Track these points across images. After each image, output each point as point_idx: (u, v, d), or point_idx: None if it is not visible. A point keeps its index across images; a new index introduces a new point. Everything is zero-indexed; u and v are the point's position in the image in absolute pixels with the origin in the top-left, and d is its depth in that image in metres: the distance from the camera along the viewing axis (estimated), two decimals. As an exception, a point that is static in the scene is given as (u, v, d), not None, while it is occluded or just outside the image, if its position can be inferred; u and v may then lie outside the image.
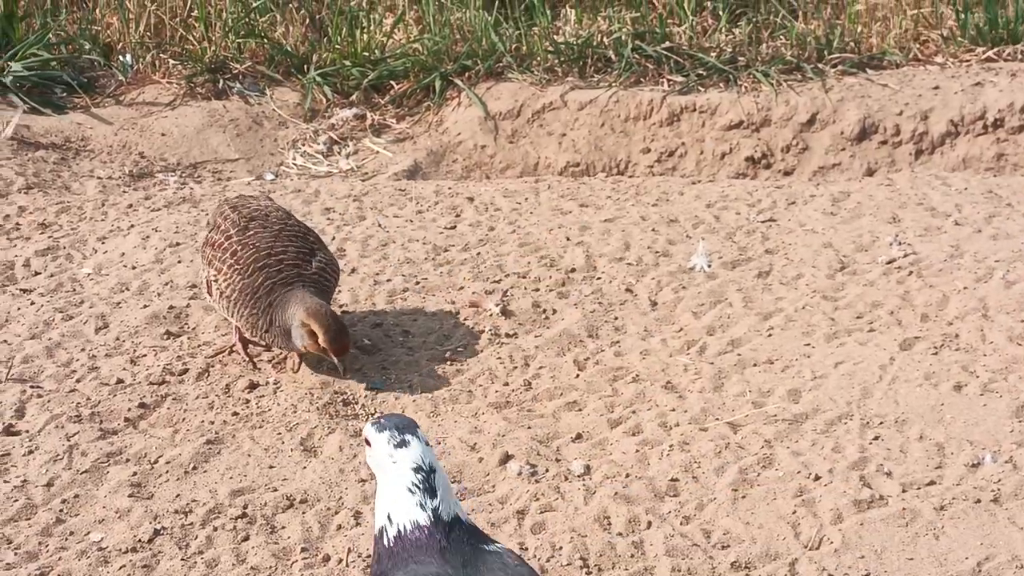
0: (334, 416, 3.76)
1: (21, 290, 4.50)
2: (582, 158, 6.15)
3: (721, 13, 6.65)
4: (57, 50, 6.49)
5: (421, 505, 2.33)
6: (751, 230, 4.87)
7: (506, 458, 3.56)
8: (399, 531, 2.34)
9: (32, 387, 3.90)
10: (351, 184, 5.48)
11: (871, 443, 3.58)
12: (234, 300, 3.81)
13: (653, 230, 4.86)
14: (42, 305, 4.38)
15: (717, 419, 3.72)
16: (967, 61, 6.38)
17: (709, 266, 4.55)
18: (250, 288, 3.79)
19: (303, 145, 6.18)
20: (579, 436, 3.67)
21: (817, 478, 3.44)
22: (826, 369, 3.94)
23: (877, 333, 4.12)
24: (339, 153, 6.16)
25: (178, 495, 3.43)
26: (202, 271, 3.97)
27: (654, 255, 4.66)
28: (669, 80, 6.30)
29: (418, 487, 2.33)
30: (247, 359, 3.99)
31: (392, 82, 6.48)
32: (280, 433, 3.69)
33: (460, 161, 6.16)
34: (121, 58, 6.53)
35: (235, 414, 3.78)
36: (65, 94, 6.30)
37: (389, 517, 2.36)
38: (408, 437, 2.36)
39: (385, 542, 2.36)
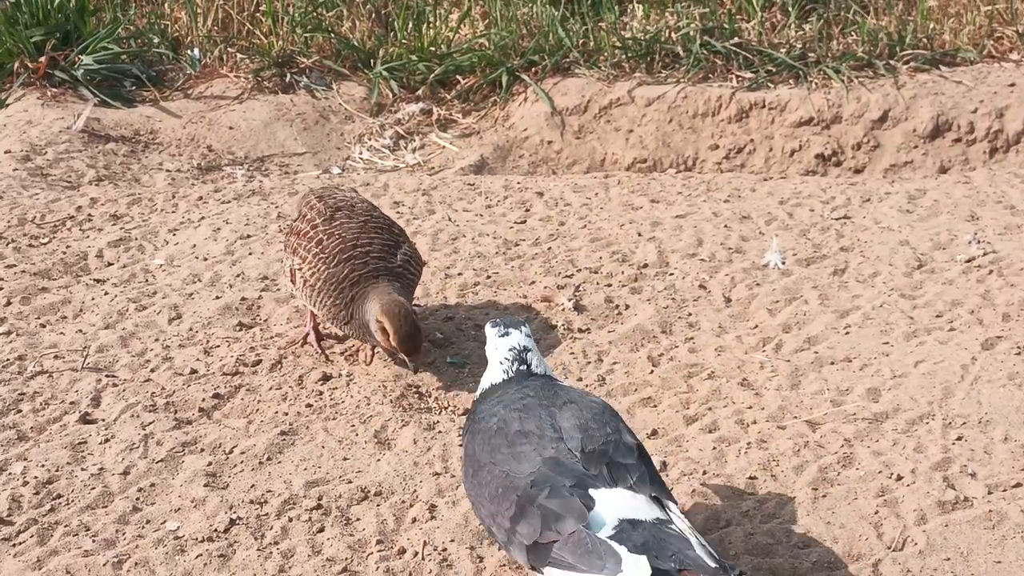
0: (407, 409, 3.74)
1: (95, 280, 4.53)
2: (649, 154, 6.11)
3: (791, 9, 6.59)
4: (126, 44, 6.54)
5: (507, 370, 3.04)
6: (825, 227, 4.80)
7: (581, 453, 3.52)
8: (488, 386, 3.06)
9: (107, 376, 3.92)
10: (419, 178, 5.47)
11: (954, 443, 3.51)
12: (318, 289, 3.81)
13: (725, 226, 4.81)
14: (116, 295, 4.40)
15: (795, 417, 3.66)
16: (1043, 58, 6.27)
17: (783, 263, 4.50)
18: (335, 278, 3.78)
19: (369, 139, 6.19)
20: (655, 432, 3.63)
21: (899, 478, 3.38)
22: (906, 368, 3.87)
23: (958, 332, 4.04)
24: (405, 148, 6.15)
25: (253, 485, 3.42)
26: (285, 260, 3.97)
27: (727, 251, 4.61)
28: (738, 76, 6.25)
29: (508, 359, 3.05)
30: (319, 351, 3.99)
31: (458, 77, 6.47)
32: (354, 425, 3.67)
33: (526, 156, 6.14)
34: (189, 52, 6.57)
35: (308, 406, 3.77)
36: (134, 88, 6.34)
37: (485, 381, 3.08)
38: (511, 330, 3.09)
39: (479, 394, 3.07)
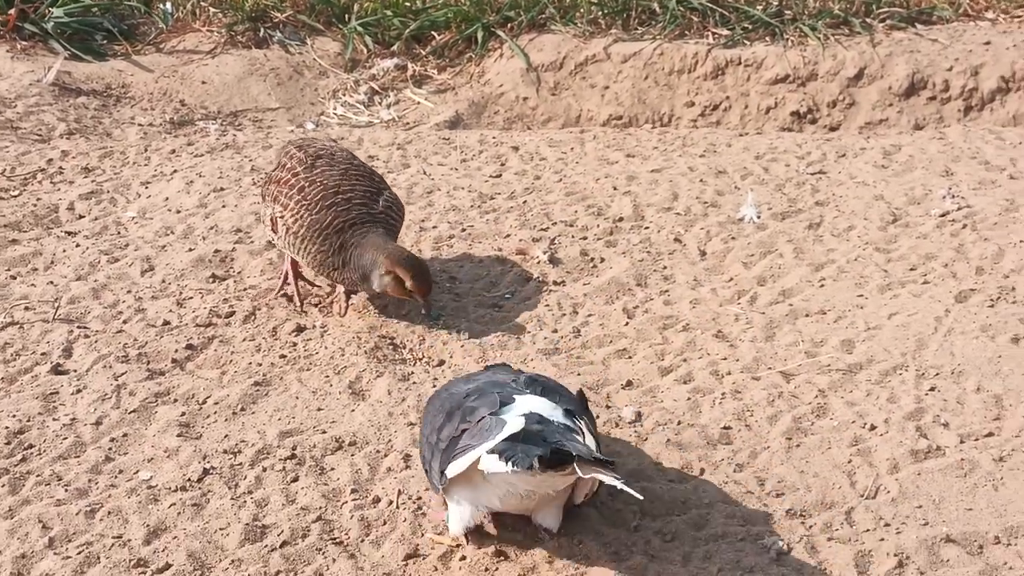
0: (382, 360, 3.73)
1: (66, 232, 4.48)
2: (625, 111, 6.08)
3: (767, -34, 6.55)
4: (98, -3, 6.46)
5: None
6: (801, 182, 4.80)
7: (556, 404, 3.51)
8: None
9: (79, 327, 3.89)
10: (394, 133, 5.44)
11: (927, 394, 3.53)
12: (301, 236, 3.78)
13: (701, 181, 4.80)
14: (87, 248, 4.36)
15: (770, 368, 3.67)
16: (1019, 17, 6.26)
17: (759, 217, 4.49)
18: (318, 225, 3.76)
19: (344, 95, 6.13)
20: (629, 383, 3.63)
21: (872, 428, 3.39)
22: (880, 320, 3.88)
23: (931, 285, 4.05)
24: (380, 103, 6.10)
25: (226, 435, 3.41)
26: (264, 209, 3.93)
27: (703, 205, 4.60)
28: (714, 33, 6.22)
29: None
30: (296, 299, 3.97)
31: (433, 33, 6.42)
32: (328, 376, 3.66)
33: (502, 113, 6.10)
34: (161, 6, 6.49)
35: (282, 356, 3.75)
36: (105, 41, 6.27)
37: None
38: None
39: None
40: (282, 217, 3.83)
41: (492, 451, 2.65)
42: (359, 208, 3.79)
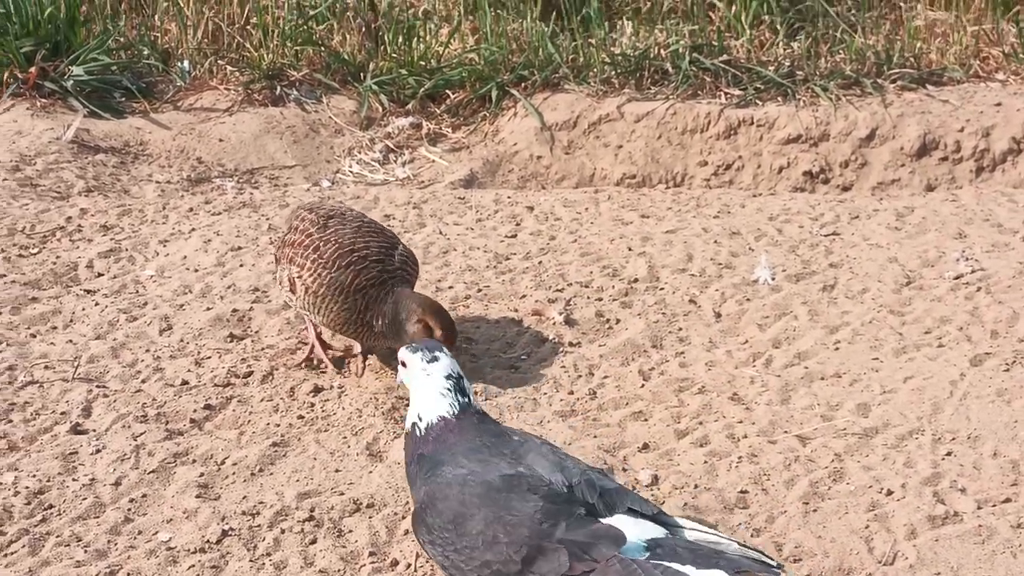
0: (400, 421, 3.75)
1: (85, 291, 4.53)
2: (638, 170, 6.13)
3: (779, 27, 6.63)
4: (116, 55, 6.53)
5: (452, 404, 2.87)
6: (814, 243, 4.83)
7: (573, 466, 3.53)
8: (429, 424, 2.87)
9: (98, 387, 3.92)
10: (410, 192, 5.49)
11: (944, 459, 3.54)
12: (321, 295, 3.82)
13: (715, 242, 4.83)
14: (106, 306, 4.40)
15: (786, 432, 3.68)
16: (1029, 78, 6.33)
17: (773, 279, 4.52)
18: (337, 284, 3.81)
19: (359, 153, 6.19)
20: (646, 446, 3.64)
21: (889, 493, 3.40)
22: (895, 384, 3.90)
23: (946, 349, 4.07)
24: (395, 161, 6.16)
25: (245, 497, 3.42)
26: (282, 272, 3.97)
27: (717, 267, 4.64)
28: (727, 93, 6.28)
29: (449, 390, 2.89)
30: (327, 362, 3.99)
31: (448, 91, 6.49)
32: (346, 437, 3.68)
33: (516, 171, 6.15)
34: (179, 64, 6.57)
35: (300, 417, 3.78)
36: (124, 99, 6.34)
37: (419, 415, 2.90)
38: (438, 354, 2.93)
39: (417, 433, 2.89)
40: (300, 277, 3.88)
41: None
42: (377, 265, 3.85)
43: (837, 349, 4.11)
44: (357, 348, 4.07)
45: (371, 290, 3.82)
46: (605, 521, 2.58)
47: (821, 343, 4.14)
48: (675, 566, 2.46)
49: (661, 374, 4.01)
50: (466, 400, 2.89)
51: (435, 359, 2.93)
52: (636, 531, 2.56)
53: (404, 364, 2.99)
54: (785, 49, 6.51)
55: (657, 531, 2.60)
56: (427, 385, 2.90)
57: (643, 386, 3.94)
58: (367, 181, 5.98)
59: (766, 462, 3.54)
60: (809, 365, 4.02)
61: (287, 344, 4.15)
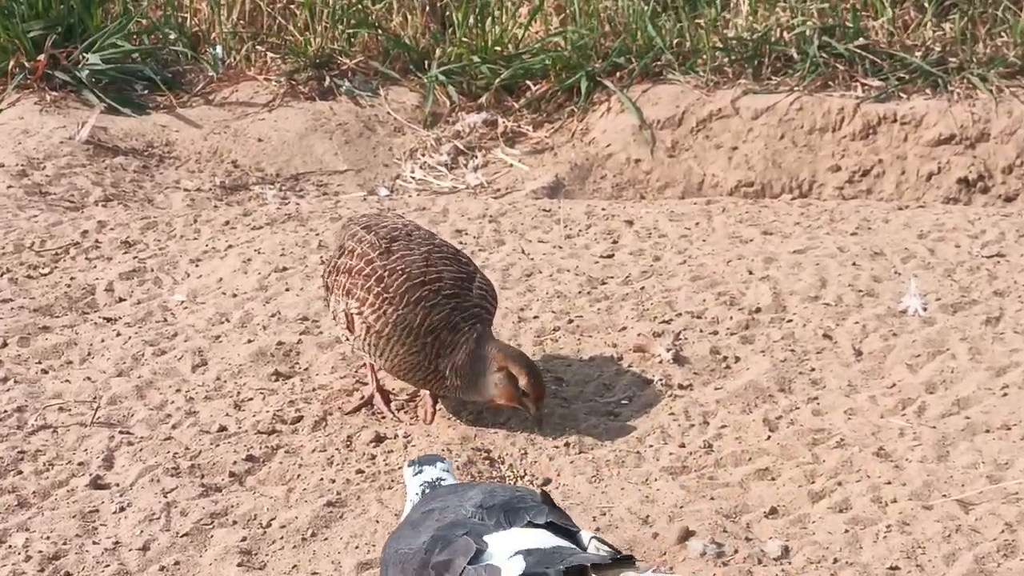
0: (476, 477, 3.75)
1: (104, 319, 4.58)
2: (757, 176, 6.12)
3: (927, 5, 6.59)
4: (138, 41, 6.64)
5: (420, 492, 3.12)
6: (974, 267, 4.79)
7: (686, 535, 3.52)
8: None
9: (121, 433, 3.96)
10: (485, 202, 5.51)
11: None
12: (387, 336, 3.83)
13: (854, 264, 4.80)
14: (129, 337, 4.46)
15: (944, 495, 3.64)
16: None
17: (925, 309, 4.49)
18: (406, 323, 3.81)
19: (423, 155, 6.24)
20: (773, 511, 3.62)
21: (1073, 572, 3.35)
22: (1078, 438, 3.84)
23: None
24: (465, 166, 6.20)
25: (295, 566, 3.44)
26: (336, 304, 3.99)
27: (856, 294, 4.60)
28: (864, 84, 6.25)
29: (417, 495, 3.11)
30: (391, 414, 4.02)
31: (528, 82, 6.52)
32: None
33: (609, 178, 6.16)
34: (211, 51, 6.66)
35: (359, 472, 3.80)
36: (147, 92, 6.44)
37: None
38: (424, 467, 3.16)
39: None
40: (360, 313, 3.88)
41: None
42: (452, 300, 3.85)
43: (1005, 395, 4.06)
44: (426, 390, 4.09)
45: (444, 332, 3.84)
46: (488, 537, 2.75)
47: (985, 387, 4.09)
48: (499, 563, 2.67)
49: (791, 424, 3.98)
50: (432, 485, 3.14)
51: (419, 472, 3.17)
52: (512, 544, 2.71)
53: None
54: (935, 32, 6.46)
55: (543, 542, 2.73)
56: (410, 497, 3.15)
57: (769, 438, 3.91)
58: (432, 189, 6.02)
59: (920, 532, 3.51)
60: (971, 414, 3.98)
61: (343, 384, 4.17)
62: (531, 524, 2.79)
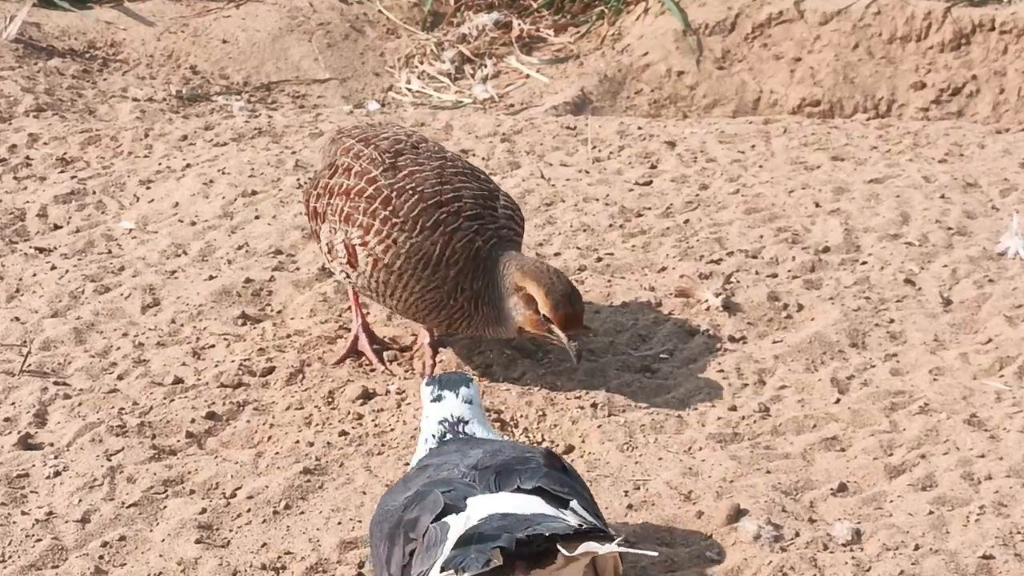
0: (484, 443, 3.74)
1: (37, 249, 4.57)
2: (824, 94, 6.10)
3: None
4: (79, -81, 6.61)
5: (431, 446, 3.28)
6: (1088, 202, 4.78)
7: (737, 514, 3.50)
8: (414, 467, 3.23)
9: (56, 383, 3.95)
10: (496, 118, 5.49)
11: None
12: (399, 271, 3.78)
13: (942, 197, 4.79)
14: (67, 271, 4.44)
15: (1049, 472, 3.63)
16: None
17: (1028, 251, 4.50)
18: (421, 251, 3.77)
19: (421, 63, 6.21)
20: (842, 488, 3.61)
21: None
22: None
23: None
24: (472, 76, 6.18)
25: (265, 544, 3.43)
26: (334, 235, 3.92)
27: (945, 233, 4.59)
28: (956, -16, 6.24)
29: (435, 436, 3.29)
30: (381, 364, 4.00)
31: (550, -23, 6.50)
32: (407, 463, 3.68)
33: (646, 92, 6.14)
34: (167, -67, 6.63)
35: (343, 434, 3.78)
36: (89, -19, 6.41)
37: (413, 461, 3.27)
38: (445, 392, 3.31)
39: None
40: (364, 244, 3.83)
41: (442, 568, 2.72)
42: (474, 222, 3.81)
43: (1124, 354, 4.05)
44: (423, 336, 4.07)
45: (467, 262, 3.80)
46: (470, 500, 2.93)
47: (1100, 345, 4.09)
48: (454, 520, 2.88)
49: (864, 385, 3.96)
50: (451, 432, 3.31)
51: (439, 397, 3.33)
52: (489, 506, 2.89)
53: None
54: (1043, -80, 6.42)
55: (525, 507, 2.88)
56: (424, 426, 3.33)
57: (838, 401, 3.90)
58: (432, 103, 5.99)
59: (1020, 515, 3.49)
60: (1082, 377, 3.97)
61: (323, 330, 4.16)
62: (520, 489, 2.94)
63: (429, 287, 3.80)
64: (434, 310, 3.83)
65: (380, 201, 3.83)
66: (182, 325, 4.20)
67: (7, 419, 3.83)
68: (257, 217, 4.70)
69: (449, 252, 3.78)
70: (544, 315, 3.72)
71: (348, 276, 3.92)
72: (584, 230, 4.63)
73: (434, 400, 3.28)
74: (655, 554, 2.90)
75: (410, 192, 3.83)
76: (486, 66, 6.21)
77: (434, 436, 3.26)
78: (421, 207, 3.81)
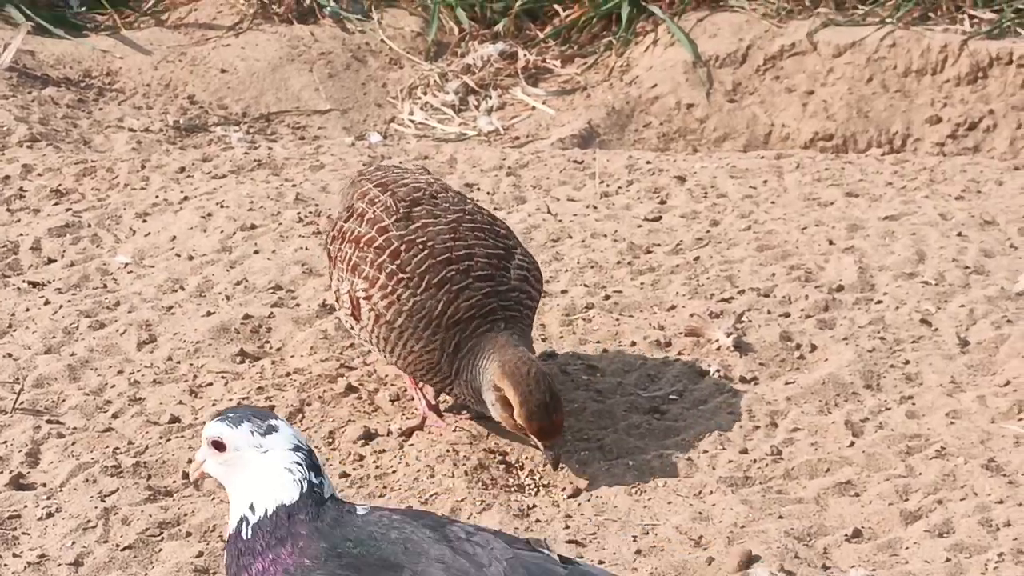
0: (489, 486, 3.74)
1: (30, 283, 4.57)
2: (838, 128, 6.11)
3: (1053, -81, 6.56)
4: (75, -55, 6.63)
5: (299, 483, 2.76)
6: (1109, 241, 4.79)
7: (749, 560, 3.50)
8: (263, 517, 2.75)
9: (50, 422, 3.94)
10: (501, 152, 5.50)
11: None
12: (400, 328, 3.75)
13: (959, 235, 4.80)
14: (61, 305, 4.44)
15: (1070, 519, 3.63)
16: None
17: (1047, 291, 4.50)
18: (424, 311, 3.73)
19: (425, 94, 6.22)
20: (857, 534, 3.60)
21: None
22: None
23: None
24: (477, 107, 6.19)
25: (263, 589, 3.43)
26: (340, 283, 3.91)
27: (962, 272, 4.59)
28: (972, 17, 6.25)
29: (299, 464, 2.77)
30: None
31: (556, 7, 6.51)
32: (411, 507, 3.67)
33: (655, 125, 6.14)
34: (165, -41, 6.65)
35: (344, 475, 3.78)
36: (84, 9, 6.44)
37: (251, 506, 2.76)
38: (273, 422, 2.80)
39: (244, 535, 2.75)
40: (367, 297, 3.81)
41: None
42: (485, 284, 3.78)
43: None
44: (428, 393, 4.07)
45: (470, 324, 3.75)
46: None
47: (1121, 388, 4.09)
48: None
49: (879, 428, 3.96)
50: (320, 480, 2.78)
51: (272, 429, 2.78)
52: None
53: (221, 446, 2.79)
54: (1062, -48, 6.45)
55: None
56: (263, 465, 2.77)
57: (852, 444, 3.90)
58: (436, 135, 6.00)
59: (1040, 563, 3.49)
60: (1104, 421, 3.97)
61: (323, 368, 4.15)
62: None
63: (428, 347, 3.77)
64: (430, 371, 3.81)
65: (389, 253, 3.80)
66: (179, 362, 4.20)
67: (-1, 458, 3.84)
68: (256, 252, 4.70)
69: (452, 312, 3.75)
70: (518, 423, 3.68)
71: (352, 328, 3.92)
72: (592, 267, 4.64)
73: (266, 433, 2.77)
74: None
75: (420, 246, 3.79)
76: (491, 97, 6.22)
77: (298, 464, 2.76)
78: (429, 263, 3.77)
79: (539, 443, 3.71)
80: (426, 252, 3.77)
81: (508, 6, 6.46)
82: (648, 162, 5.38)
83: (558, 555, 2.73)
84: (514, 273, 3.82)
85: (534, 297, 3.87)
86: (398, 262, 3.77)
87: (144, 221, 4.92)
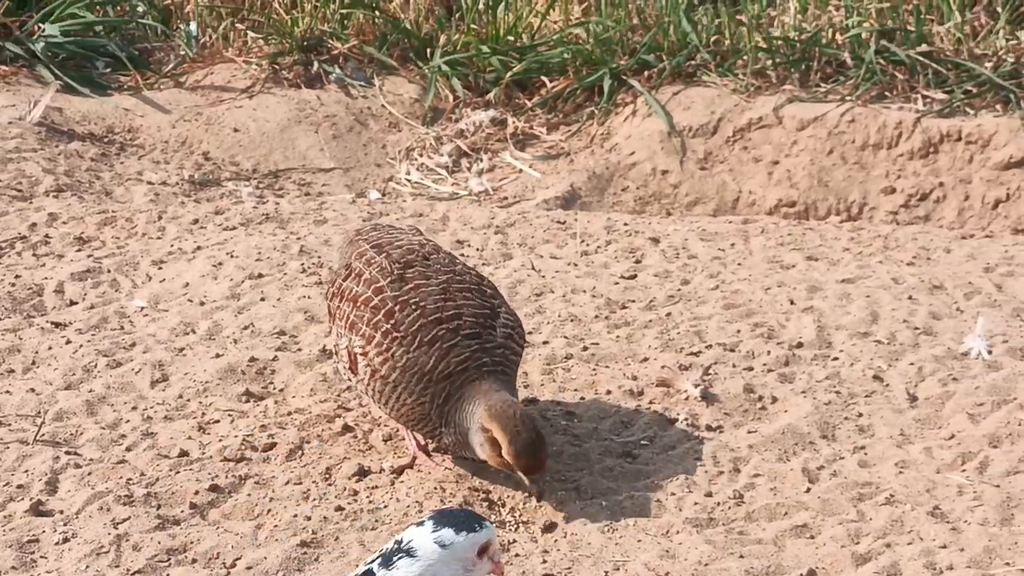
0: (473, 521, 3.73)
1: (52, 324, 4.57)
2: (800, 195, 6.12)
3: (1000, 10, 6.59)
4: (102, 11, 6.65)
5: None
6: (1047, 306, 4.79)
7: (711, 596, 3.50)
8: None
9: (68, 453, 3.94)
10: (490, 211, 5.51)
11: None
12: (394, 383, 3.77)
13: (910, 298, 4.80)
14: (80, 345, 4.44)
15: (1008, 564, 3.62)
16: None
17: (990, 352, 4.47)
18: (416, 367, 3.76)
19: (421, 155, 6.24)
20: (812, 574, 3.60)
21: None
22: None
23: None
24: (469, 169, 6.19)
25: (262, 613, 3.43)
26: (340, 339, 3.93)
27: (912, 332, 4.60)
28: (925, 96, 6.26)
29: None
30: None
31: (544, 78, 6.53)
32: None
33: (632, 190, 6.15)
34: (184, 27, 6.66)
35: (339, 509, 3.77)
36: (110, 70, 6.44)
37: None
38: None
39: None
40: (364, 354, 3.82)
41: None
42: (470, 339, 3.78)
43: (1079, 453, 4.05)
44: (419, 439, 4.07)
45: (458, 379, 3.76)
46: None
47: (1057, 444, 4.09)
48: None
49: (833, 475, 3.96)
50: None
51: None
52: None
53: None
54: (1008, 40, 6.47)
55: None
56: None
57: (809, 490, 3.89)
58: (430, 194, 6.01)
59: (980, 605, 3.49)
60: (1040, 473, 3.97)
61: (322, 409, 4.15)
62: None
63: (420, 400, 3.77)
64: (421, 421, 3.82)
65: (384, 313, 3.82)
66: (189, 400, 4.20)
67: (20, 486, 3.82)
68: (263, 299, 4.71)
69: (442, 368, 3.76)
70: (507, 461, 3.69)
71: (349, 380, 3.93)
72: (571, 320, 4.65)
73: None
74: None
75: (413, 307, 3.81)
76: (482, 160, 6.23)
77: None
78: (421, 323, 3.79)
79: (524, 478, 3.73)
80: (418, 312, 3.79)
81: (499, 77, 6.48)
82: (625, 224, 5.40)
83: None
84: (500, 331, 3.84)
85: (517, 352, 3.89)
86: (392, 321, 3.79)
87: (160, 268, 4.93)
